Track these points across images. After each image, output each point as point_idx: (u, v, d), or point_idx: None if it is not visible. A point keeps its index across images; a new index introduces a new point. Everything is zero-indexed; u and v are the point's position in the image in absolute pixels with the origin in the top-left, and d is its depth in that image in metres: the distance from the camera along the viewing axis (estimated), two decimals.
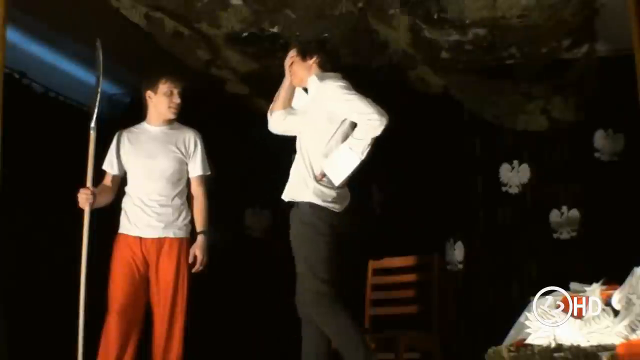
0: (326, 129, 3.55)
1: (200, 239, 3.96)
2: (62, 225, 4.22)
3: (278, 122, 3.84)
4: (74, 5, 4.50)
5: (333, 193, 3.52)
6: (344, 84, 3.58)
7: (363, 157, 3.48)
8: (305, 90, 3.79)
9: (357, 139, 3.47)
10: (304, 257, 3.46)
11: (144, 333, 3.90)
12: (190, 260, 3.91)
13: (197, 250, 3.93)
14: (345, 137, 3.53)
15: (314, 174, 3.52)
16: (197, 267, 3.92)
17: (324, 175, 3.51)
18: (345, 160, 3.48)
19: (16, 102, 3.98)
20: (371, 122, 3.44)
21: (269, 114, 3.87)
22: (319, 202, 3.49)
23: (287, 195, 3.63)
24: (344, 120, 3.55)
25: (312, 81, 3.67)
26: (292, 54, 3.75)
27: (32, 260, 4.96)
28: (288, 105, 3.83)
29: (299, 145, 3.65)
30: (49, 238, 5.02)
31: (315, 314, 3.43)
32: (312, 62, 3.70)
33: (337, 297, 3.42)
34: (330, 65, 3.72)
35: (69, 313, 3.86)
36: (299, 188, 3.55)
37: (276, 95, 3.85)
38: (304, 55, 3.72)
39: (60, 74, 5.60)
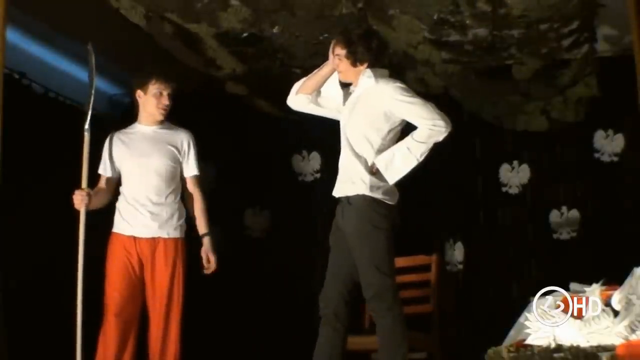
0: (382, 126, 3.53)
1: (206, 240, 3.96)
2: (63, 225, 4.21)
3: (300, 103, 3.78)
4: (74, 5, 4.50)
5: (388, 186, 3.51)
6: (403, 86, 3.57)
7: (421, 159, 3.50)
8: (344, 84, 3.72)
9: (418, 141, 3.48)
10: (367, 253, 3.45)
11: (142, 333, 3.89)
12: (205, 263, 3.92)
13: (209, 253, 3.94)
14: (397, 139, 3.54)
15: (366, 166, 3.50)
16: (211, 268, 3.94)
17: (377, 170, 3.50)
18: (402, 160, 3.48)
19: (16, 103, 3.98)
20: (436, 128, 3.45)
21: (293, 92, 3.78)
22: (375, 195, 3.48)
23: (339, 191, 3.58)
24: (401, 122, 3.55)
25: (365, 75, 3.60)
26: (340, 52, 3.60)
27: (31, 260, 4.95)
28: (317, 90, 3.76)
29: (345, 138, 3.59)
30: (50, 238, 5.02)
31: (378, 308, 3.45)
32: (363, 67, 3.60)
33: (399, 293, 3.48)
34: (380, 64, 3.67)
35: (67, 313, 3.85)
36: (353, 182, 3.51)
37: (309, 77, 3.74)
38: (355, 62, 3.60)
39: (60, 74, 5.60)
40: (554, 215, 5.61)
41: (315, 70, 3.74)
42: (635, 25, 3.51)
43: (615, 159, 5.53)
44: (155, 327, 3.85)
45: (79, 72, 5.60)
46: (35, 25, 4.89)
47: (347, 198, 3.52)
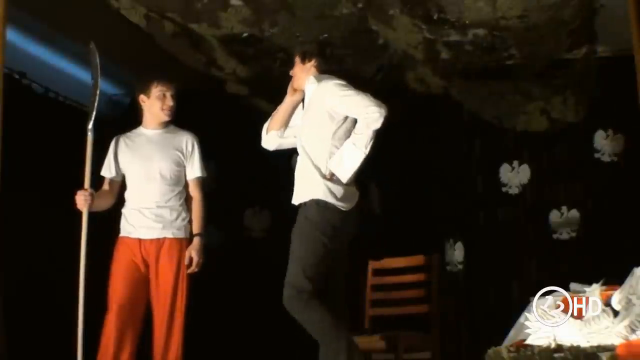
0: (328, 127, 3.56)
1: (196, 240, 3.97)
2: (63, 225, 4.22)
3: (273, 141, 3.86)
4: (74, 5, 4.50)
5: (342, 190, 3.52)
6: (341, 82, 3.60)
7: (367, 151, 3.48)
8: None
9: (359, 134, 3.49)
10: (298, 252, 3.48)
11: (144, 333, 3.90)
12: (187, 261, 3.92)
13: (193, 251, 3.94)
14: (349, 135, 3.54)
15: (321, 172, 3.53)
16: (193, 269, 3.93)
17: (332, 174, 3.52)
18: (350, 156, 3.49)
19: (16, 103, 3.98)
20: (370, 115, 3.45)
21: (264, 133, 3.88)
22: (326, 199, 3.49)
23: (296, 199, 3.62)
24: (346, 118, 3.57)
25: (309, 82, 3.69)
26: (296, 57, 3.79)
27: (32, 260, 4.96)
28: (285, 125, 3.84)
29: (300, 146, 3.66)
30: (50, 238, 5.02)
31: (291, 309, 3.46)
32: (311, 65, 3.73)
33: (315, 294, 3.43)
34: (329, 68, 3.75)
35: (69, 313, 3.86)
36: (307, 188, 3.55)
37: (274, 114, 3.86)
38: (303, 58, 3.75)
39: (60, 74, 5.60)
40: (554, 215, 5.61)
41: (278, 107, 3.83)
42: (635, 25, 3.50)
43: (615, 159, 5.53)
44: (159, 325, 3.86)
45: (79, 72, 5.60)
46: (35, 25, 4.89)
47: (305, 204, 3.54)
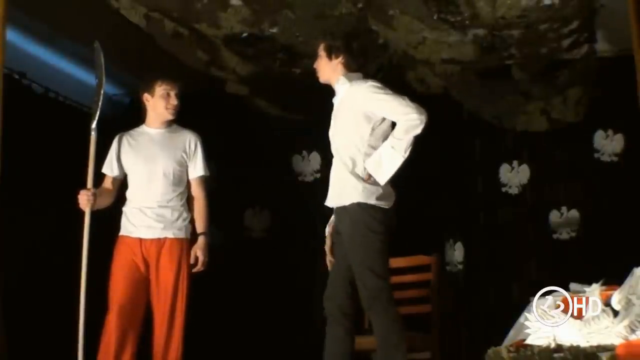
0: (364, 128, 3.55)
1: (201, 240, 3.98)
2: (63, 225, 4.22)
3: None
4: (74, 5, 4.50)
5: (381, 190, 3.53)
6: (376, 84, 3.59)
7: (406, 155, 3.49)
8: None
9: (398, 138, 3.49)
10: (361, 256, 3.48)
11: (144, 333, 3.90)
12: (192, 260, 3.93)
13: (199, 250, 3.95)
14: (386, 136, 3.55)
15: (359, 175, 3.53)
16: (199, 268, 3.94)
17: (370, 176, 3.52)
18: (388, 159, 3.49)
19: (16, 103, 3.98)
20: (410, 122, 3.46)
21: None
22: (369, 201, 3.50)
23: (332, 202, 3.62)
24: (383, 119, 3.57)
25: (340, 82, 3.67)
26: (320, 49, 3.73)
27: (33, 261, 4.95)
28: None
29: (334, 149, 3.64)
30: (50, 238, 5.02)
31: (374, 310, 3.48)
32: (338, 62, 3.68)
33: (392, 293, 3.50)
34: (356, 65, 3.71)
35: (70, 313, 3.86)
36: (346, 192, 3.54)
37: None
38: (330, 54, 3.69)
39: (60, 74, 5.60)
40: (554, 215, 5.61)
41: None
42: (635, 25, 3.50)
43: (615, 159, 5.53)
44: (160, 325, 3.87)
45: (79, 72, 5.60)
46: (35, 25, 4.89)
47: (344, 207, 3.55)
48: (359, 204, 3.50)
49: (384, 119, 3.57)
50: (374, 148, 3.54)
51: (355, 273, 3.50)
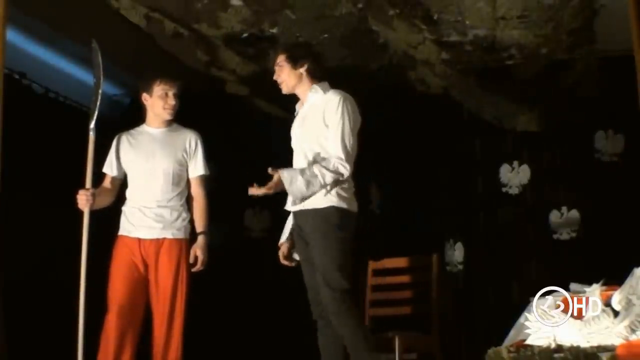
0: (325, 135, 3.57)
1: (200, 239, 3.97)
2: (62, 225, 4.22)
3: None
4: (74, 5, 4.50)
5: (351, 194, 3.56)
6: (349, 107, 3.56)
7: (321, 190, 3.49)
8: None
9: (331, 170, 3.48)
10: (328, 257, 3.47)
11: (144, 333, 3.90)
12: (192, 260, 3.93)
13: (198, 250, 3.94)
14: (353, 148, 3.56)
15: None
16: (198, 267, 3.94)
17: (274, 172, 3.54)
18: (306, 184, 3.49)
19: (16, 103, 3.98)
20: (339, 167, 3.49)
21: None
22: (342, 205, 3.52)
23: (296, 205, 3.60)
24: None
25: (314, 91, 3.66)
26: (281, 60, 3.70)
27: (32, 261, 4.95)
28: None
29: (302, 154, 3.64)
30: (49, 238, 5.02)
31: (337, 311, 3.45)
32: (303, 70, 3.67)
33: (354, 296, 3.49)
34: (320, 72, 3.71)
35: (69, 313, 3.86)
36: (318, 195, 3.53)
37: None
38: (295, 62, 3.67)
39: (60, 74, 5.60)
40: (554, 215, 5.61)
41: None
42: (635, 25, 3.50)
43: (615, 159, 5.54)
44: (159, 325, 3.86)
45: (79, 72, 5.60)
46: (35, 25, 4.88)
47: (313, 210, 3.54)
48: (335, 208, 3.50)
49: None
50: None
51: (320, 275, 3.48)
